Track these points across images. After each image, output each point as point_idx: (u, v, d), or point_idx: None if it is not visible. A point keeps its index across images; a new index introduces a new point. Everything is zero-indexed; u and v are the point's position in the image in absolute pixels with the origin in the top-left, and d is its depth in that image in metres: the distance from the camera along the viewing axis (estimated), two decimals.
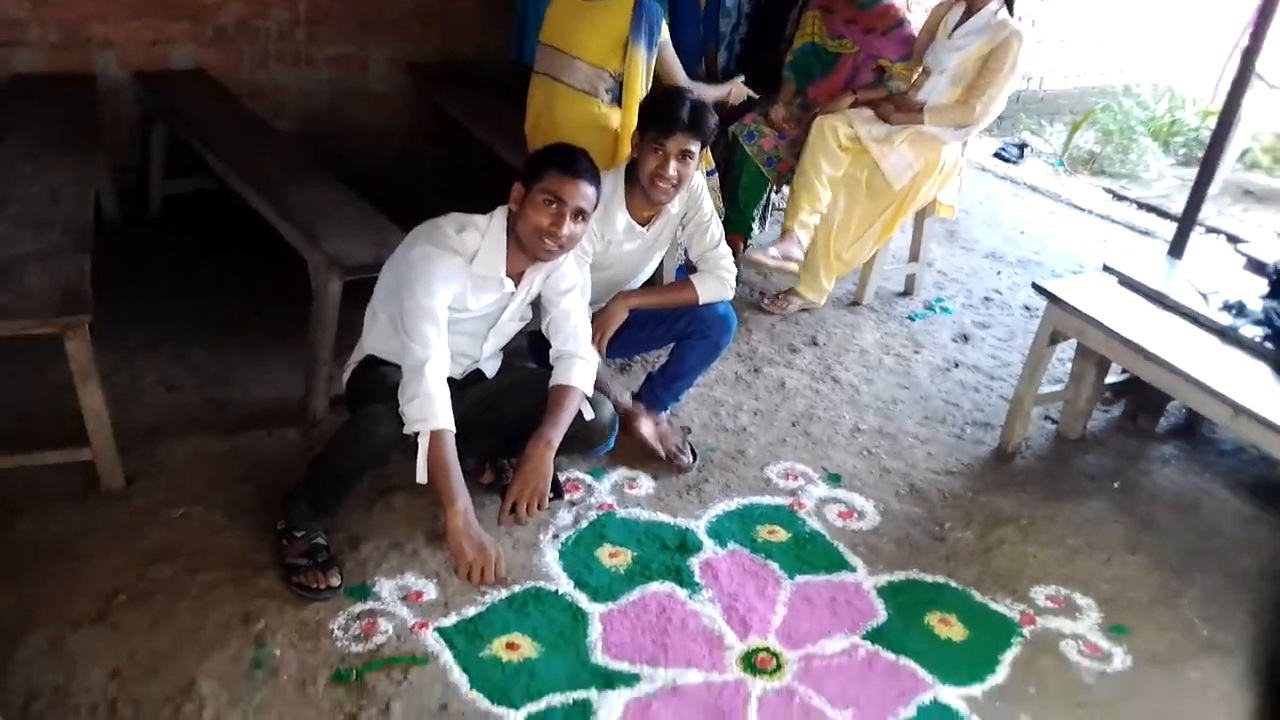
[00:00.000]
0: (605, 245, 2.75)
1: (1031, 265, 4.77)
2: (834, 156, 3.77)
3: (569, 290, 2.52)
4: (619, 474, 2.91)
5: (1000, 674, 2.32)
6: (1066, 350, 3.33)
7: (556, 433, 2.40)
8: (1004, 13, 3.68)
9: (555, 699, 2.15)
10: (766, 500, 2.87)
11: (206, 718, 2.05)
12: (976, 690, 2.27)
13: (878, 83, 3.95)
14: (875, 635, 2.39)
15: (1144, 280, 3.06)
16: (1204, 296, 2.97)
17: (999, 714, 2.22)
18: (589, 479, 2.89)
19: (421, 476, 2.15)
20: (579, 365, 2.50)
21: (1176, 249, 3.46)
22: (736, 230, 4.06)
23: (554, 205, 2.28)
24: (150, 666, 2.17)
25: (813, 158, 3.77)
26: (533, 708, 2.12)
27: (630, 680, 2.21)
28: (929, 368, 3.71)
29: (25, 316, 2.41)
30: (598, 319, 2.77)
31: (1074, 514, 2.92)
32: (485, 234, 2.36)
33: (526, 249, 2.33)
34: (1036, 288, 3.10)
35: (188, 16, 4.33)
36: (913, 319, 4.09)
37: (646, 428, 2.85)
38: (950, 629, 2.43)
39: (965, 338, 3.98)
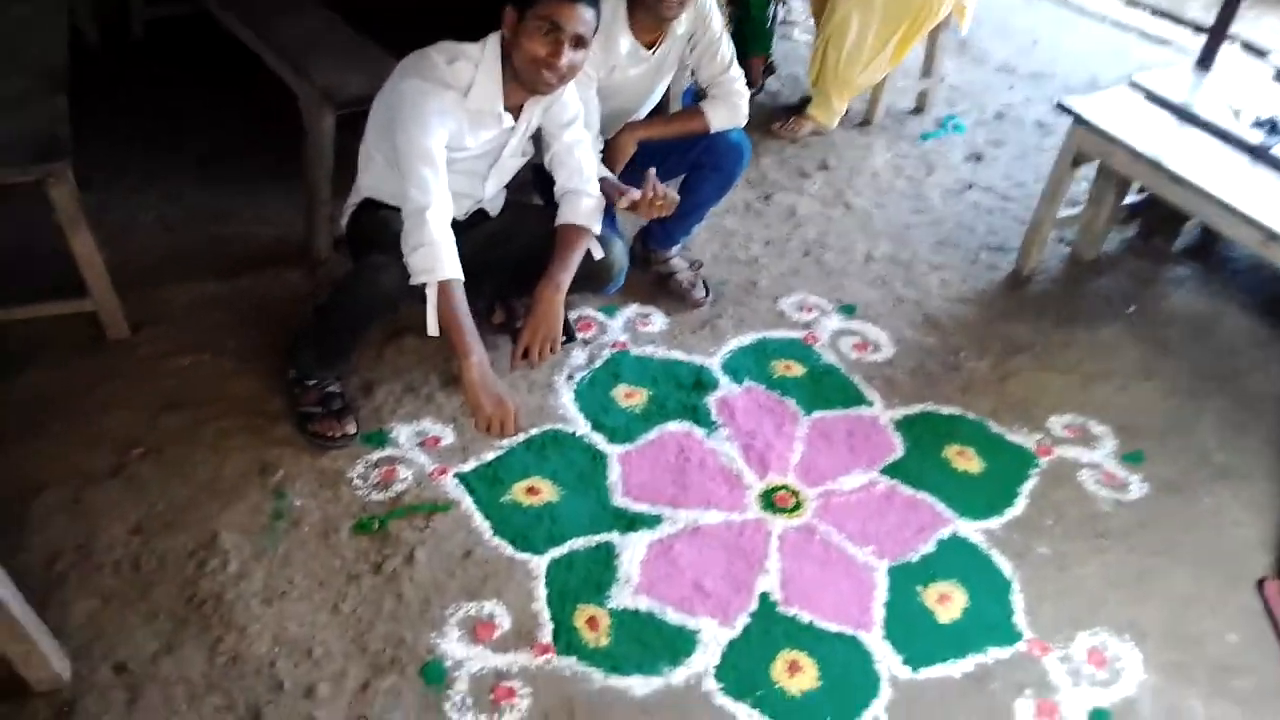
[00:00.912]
0: (609, 71, 2.58)
1: (1045, 79, 4.56)
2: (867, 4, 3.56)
3: (571, 122, 2.37)
4: (631, 310, 2.86)
5: (1018, 506, 2.35)
6: (1084, 168, 3.21)
7: (565, 274, 2.31)
8: None
9: (578, 542, 2.17)
10: (780, 334, 2.82)
11: (231, 571, 2.07)
12: (995, 523, 2.30)
13: None
14: (893, 470, 2.41)
15: (1172, 96, 2.92)
16: (1235, 113, 2.84)
17: (1018, 546, 2.25)
18: (601, 316, 2.83)
19: (433, 329, 2.08)
20: (585, 202, 2.38)
21: (1205, 61, 3.29)
22: (756, 49, 3.85)
23: (550, 32, 2.11)
24: (171, 520, 2.17)
25: (843, 15, 3.55)
26: (556, 552, 2.15)
27: (651, 522, 2.23)
28: (941, 190, 3.60)
29: (1, 165, 2.28)
30: (605, 153, 2.63)
31: (1089, 339, 2.89)
32: (479, 65, 2.19)
33: (524, 81, 2.18)
34: (1060, 106, 2.95)
35: None
36: (925, 138, 3.94)
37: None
38: (968, 461, 2.44)
39: (978, 157, 3.85)
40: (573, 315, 2.82)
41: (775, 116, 3.90)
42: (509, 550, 2.15)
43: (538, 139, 2.47)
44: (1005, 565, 2.20)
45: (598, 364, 2.66)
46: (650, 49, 2.61)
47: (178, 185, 3.23)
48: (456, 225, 2.41)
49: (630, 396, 2.56)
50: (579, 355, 2.69)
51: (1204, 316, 3.03)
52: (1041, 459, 2.47)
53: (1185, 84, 3.03)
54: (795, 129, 3.83)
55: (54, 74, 2.63)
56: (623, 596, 2.06)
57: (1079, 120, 2.89)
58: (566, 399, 2.55)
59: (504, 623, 2.01)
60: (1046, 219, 3.06)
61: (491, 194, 2.46)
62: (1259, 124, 2.77)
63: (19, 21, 2.85)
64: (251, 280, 2.87)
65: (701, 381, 2.62)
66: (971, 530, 2.27)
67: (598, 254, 2.45)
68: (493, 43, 2.22)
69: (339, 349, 2.40)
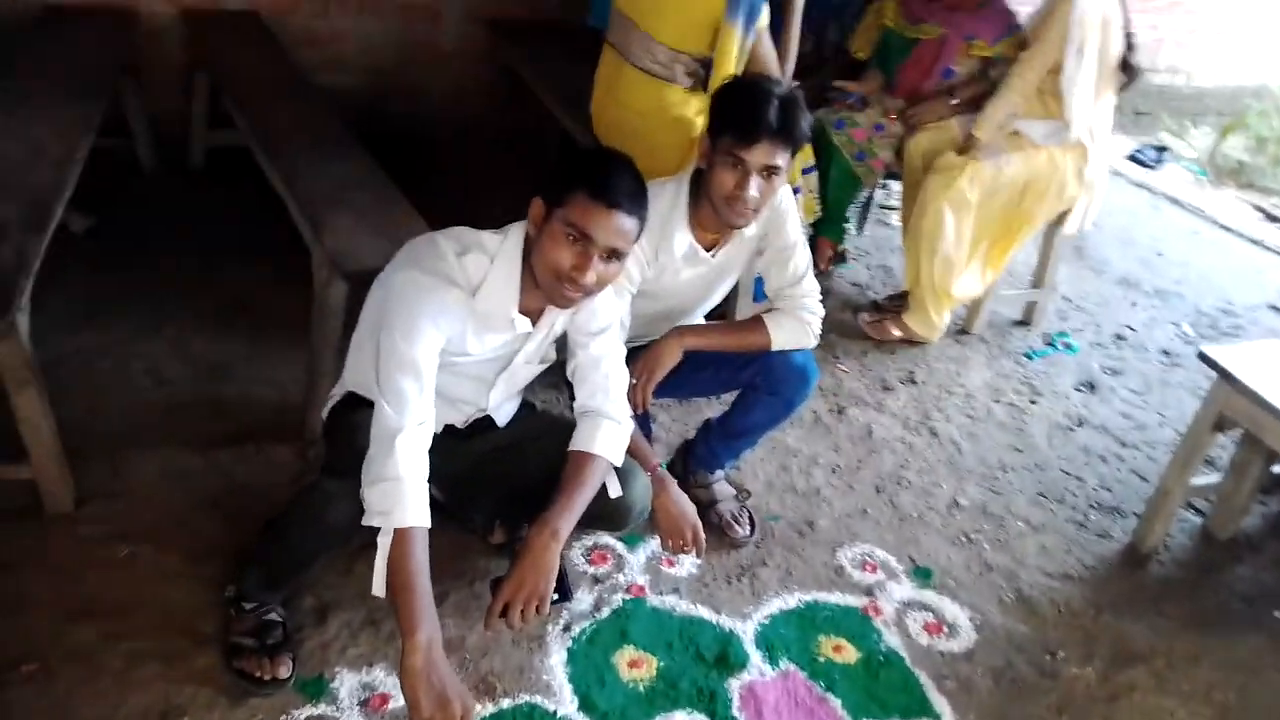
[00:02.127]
0: (659, 272, 2.18)
1: (1172, 297, 4.06)
2: (961, 203, 3.15)
3: (601, 331, 1.96)
4: (656, 545, 2.37)
5: None
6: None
7: (567, 519, 1.85)
8: None
9: None
10: (835, 599, 2.31)
11: None
12: None
13: (980, 75, 3.29)
14: None
15: None
16: None
17: None
18: (620, 548, 2.37)
19: (378, 589, 1.64)
20: (606, 428, 1.94)
21: None
22: (827, 234, 3.45)
23: (579, 241, 1.72)
24: None
25: (935, 218, 3.16)
26: None
27: None
28: (1047, 424, 3.08)
29: None
30: (645, 358, 2.20)
31: (1224, 653, 2.30)
32: (495, 258, 1.80)
33: (541, 286, 1.79)
34: (1203, 358, 2.44)
35: None
36: (1030, 357, 3.44)
37: (674, 507, 2.11)
38: None
39: (1092, 386, 3.33)
40: (587, 543, 2.36)
41: (862, 309, 3.46)
42: None
43: (562, 342, 2.06)
44: None
45: (605, 613, 2.18)
46: (710, 250, 2.21)
47: (187, 331, 2.92)
48: (455, 433, 2.01)
49: (635, 666, 2.06)
50: (585, 599, 2.21)
51: None
52: None
53: None
54: (885, 332, 3.38)
55: (43, 207, 2.34)
56: None
57: (1225, 376, 2.37)
58: (557, 659, 2.06)
59: None
60: (1176, 488, 2.51)
61: (497, 403, 2.05)
62: None
63: (29, 144, 2.60)
64: (233, 455, 2.49)
65: (728, 656, 2.10)
66: None
67: (614, 491, 1.99)
68: (515, 235, 1.84)
69: (284, 573, 1.98)
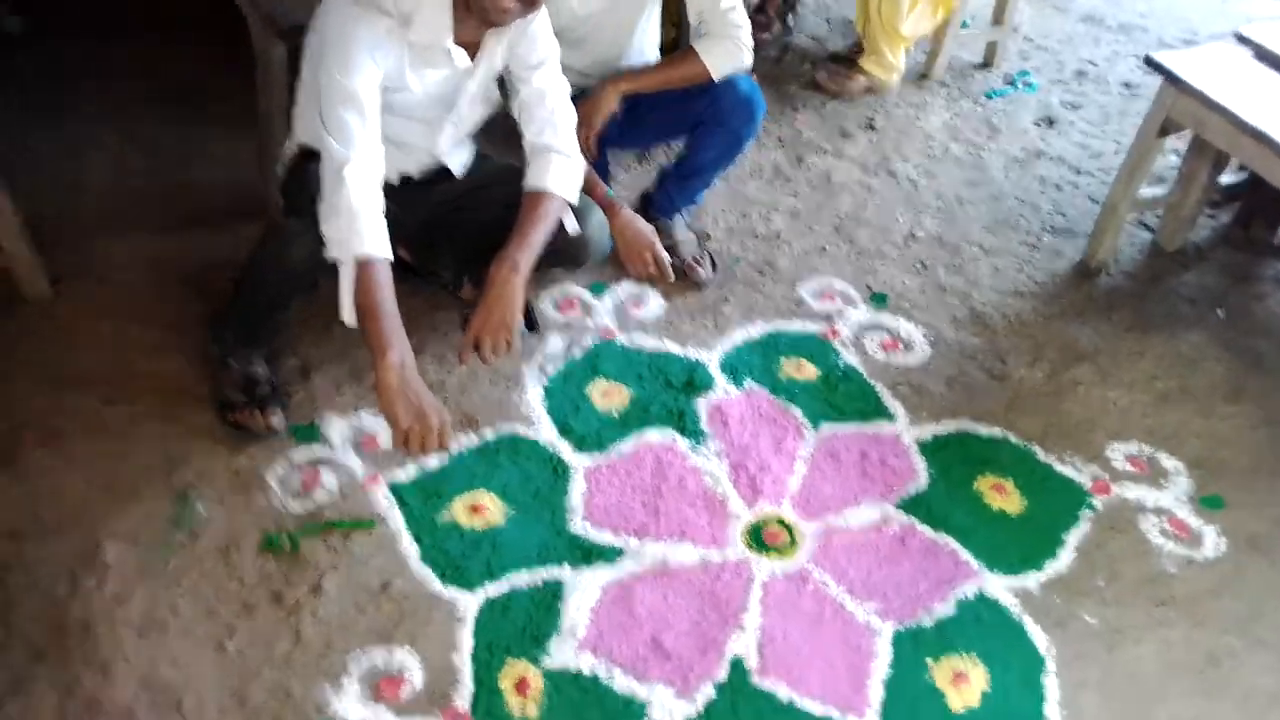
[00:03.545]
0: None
1: (1136, 31, 3.99)
2: None
3: (542, 63, 1.96)
4: (623, 290, 2.46)
5: (1062, 558, 1.93)
6: (1174, 140, 2.71)
7: (526, 253, 1.91)
8: None
9: (521, 578, 1.81)
10: (796, 326, 2.41)
11: (108, 592, 1.75)
12: (1032, 580, 1.89)
13: None
14: (912, 504, 2.00)
15: None
16: None
17: (1058, 613, 1.84)
18: (587, 295, 2.45)
19: (346, 316, 1.72)
20: (557, 163, 1.97)
21: None
22: None
23: None
24: (54, 525, 1.86)
25: None
26: (492, 590, 1.79)
27: (611, 555, 1.86)
28: (1004, 158, 3.12)
29: None
30: (581, 108, 2.20)
31: (1165, 349, 2.43)
32: None
33: (474, 9, 1.77)
34: (1149, 61, 2.46)
35: None
36: (990, 96, 3.44)
37: (629, 229, 2.24)
38: (1005, 498, 2.03)
39: (1050, 121, 3.34)
40: (556, 293, 2.44)
41: (822, 67, 3.43)
42: (435, 585, 1.79)
43: (505, 86, 2.06)
44: (1040, 638, 1.79)
45: (576, 353, 2.28)
46: None
47: (143, 123, 2.88)
48: (414, 185, 2.05)
49: (608, 395, 2.18)
50: (556, 341, 2.31)
51: None
52: (1096, 498, 2.05)
53: None
54: (844, 84, 3.36)
55: None
56: (563, 652, 1.70)
57: (1171, 79, 2.40)
58: (534, 395, 2.17)
59: (415, 678, 1.66)
60: (1124, 199, 2.58)
61: (449, 148, 2.07)
62: None
63: None
64: (204, 236, 2.52)
65: (694, 381, 2.23)
66: (1002, 589, 1.87)
67: (571, 228, 2.05)
68: None
69: (259, 326, 2.06)
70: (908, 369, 2.33)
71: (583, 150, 2.13)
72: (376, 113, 1.77)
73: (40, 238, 2.29)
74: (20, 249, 2.25)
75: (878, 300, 2.51)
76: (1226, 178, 2.75)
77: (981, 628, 1.79)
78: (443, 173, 2.12)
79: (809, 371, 2.28)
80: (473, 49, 1.88)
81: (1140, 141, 2.53)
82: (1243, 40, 2.51)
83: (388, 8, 1.75)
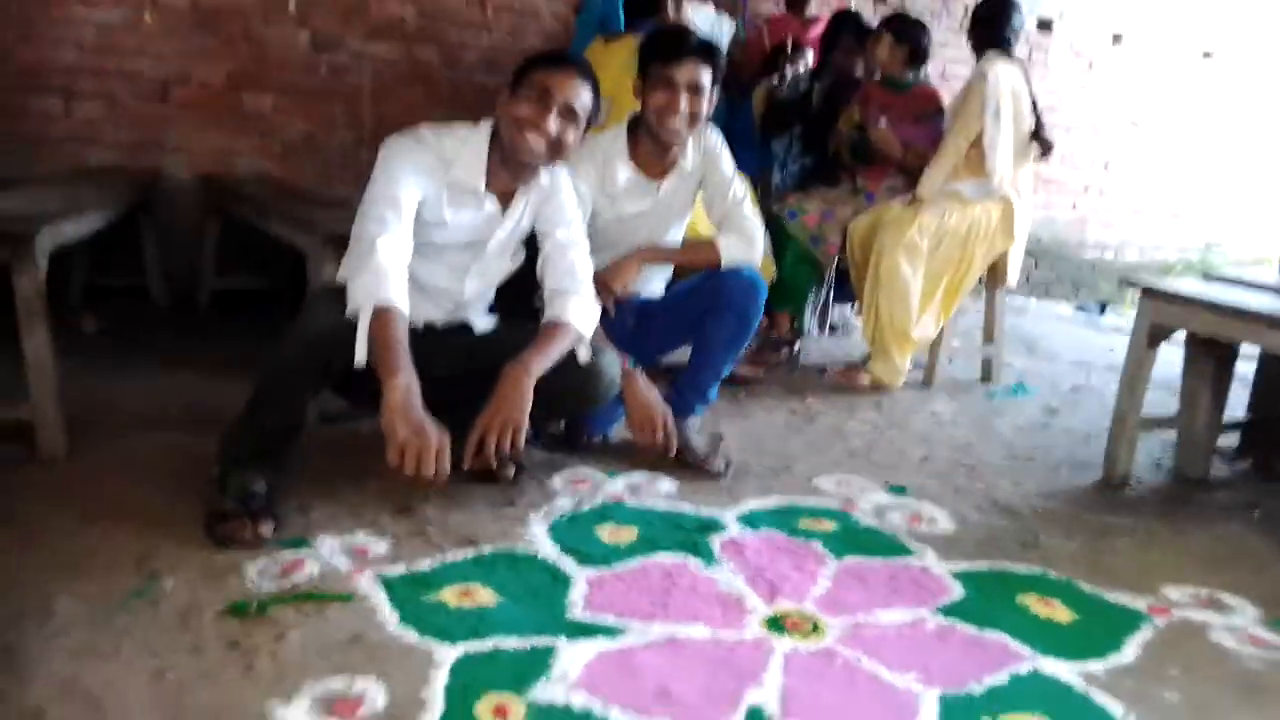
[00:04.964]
0: (609, 202, 2.42)
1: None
2: (914, 249, 3.49)
3: (567, 223, 2.16)
4: (636, 476, 2.42)
5: (1126, 653, 1.69)
6: (1172, 373, 2.79)
7: (538, 361, 1.95)
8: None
9: (508, 642, 1.60)
10: (812, 501, 2.33)
11: (49, 629, 1.56)
12: (1095, 666, 1.64)
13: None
14: (951, 610, 1.80)
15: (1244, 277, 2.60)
16: None
17: (1129, 691, 1.58)
18: (599, 476, 2.40)
19: (360, 355, 1.73)
20: (574, 301, 2.09)
21: None
22: (783, 308, 3.72)
23: (540, 99, 1.98)
24: (5, 585, 1.70)
25: (890, 264, 3.47)
26: (473, 647, 1.58)
27: (612, 632, 1.66)
28: (1014, 427, 3.18)
29: None
30: (605, 273, 2.38)
31: (1205, 533, 2.31)
32: (466, 142, 2.06)
33: (508, 153, 2.01)
34: (1125, 281, 2.64)
35: (257, 132, 4.35)
36: (992, 396, 3.58)
37: (642, 396, 2.27)
38: (1052, 609, 1.83)
39: (1054, 410, 3.45)
40: (567, 474, 2.39)
41: (831, 368, 3.64)
42: (412, 637, 1.59)
43: (532, 246, 2.25)
44: (1115, 707, 1.52)
45: (585, 508, 2.20)
46: (655, 182, 2.47)
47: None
48: (433, 331, 2.14)
49: (616, 534, 2.06)
50: (564, 501, 2.23)
51: None
52: (1156, 618, 1.83)
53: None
54: (853, 377, 3.54)
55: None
56: (551, 691, 1.46)
57: (1149, 291, 2.56)
58: (538, 529, 2.06)
59: (376, 701, 1.41)
60: (1130, 411, 2.60)
61: (472, 294, 2.20)
62: None
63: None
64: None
65: (707, 526, 2.11)
66: (1063, 669, 1.61)
67: (583, 355, 2.11)
68: (485, 122, 2.11)
69: (268, 439, 1.99)
70: (934, 535, 2.20)
71: (604, 304, 2.26)
72: (411, 220, 1.93)
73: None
74: (48, 400, 2.29)
75: (897, 490, 2.44)
76: (1230, 418, 2.79)
77: (1045, 695, 1.52)
78: (464, 328, 2.23)
79: (828, 525, 2.16)
80: (505, 199, 2.09)
81: (1133, 351, 2.62)
82: (1208, 277, 2.73)
83: (436, 149, 2.00)
